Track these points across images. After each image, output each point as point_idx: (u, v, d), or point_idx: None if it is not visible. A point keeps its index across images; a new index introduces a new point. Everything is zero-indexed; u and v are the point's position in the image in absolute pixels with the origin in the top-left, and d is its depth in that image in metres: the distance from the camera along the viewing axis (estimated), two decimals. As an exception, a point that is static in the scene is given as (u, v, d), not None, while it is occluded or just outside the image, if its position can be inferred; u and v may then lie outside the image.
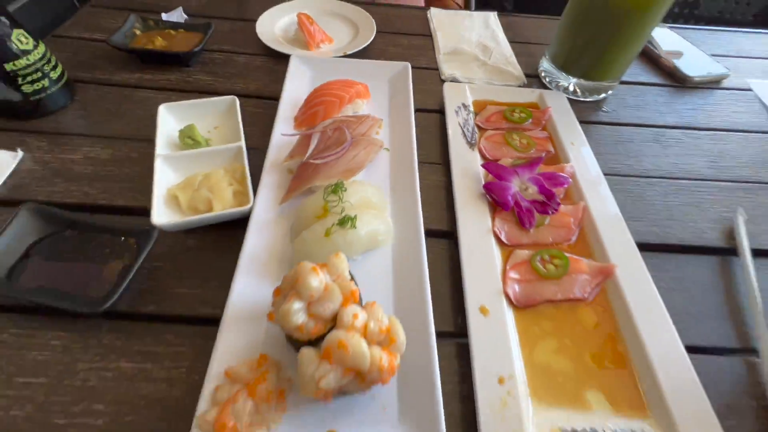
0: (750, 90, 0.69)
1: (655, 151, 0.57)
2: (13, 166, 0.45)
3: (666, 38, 0.76)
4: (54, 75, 0.50)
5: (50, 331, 0.34)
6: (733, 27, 0.89)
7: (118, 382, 0.32)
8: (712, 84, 0.70)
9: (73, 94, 0.54)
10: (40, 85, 0.49)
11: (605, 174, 0.49)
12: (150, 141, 0.49)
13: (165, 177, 0.42)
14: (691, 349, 0.35)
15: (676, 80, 0.70)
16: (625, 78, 0.66)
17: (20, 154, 0.46)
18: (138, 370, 0.33)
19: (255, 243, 0.38)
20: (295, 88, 0.54)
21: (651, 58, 0.73)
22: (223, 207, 0.40)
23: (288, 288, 0.29)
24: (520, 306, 0.37)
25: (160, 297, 0.37)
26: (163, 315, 0.36)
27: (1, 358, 0.33)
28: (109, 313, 0.35)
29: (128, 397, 0.31)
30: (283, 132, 0.47)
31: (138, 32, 0.62)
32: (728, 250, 0.46)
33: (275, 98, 0.57)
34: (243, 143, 0.45)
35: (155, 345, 0.34)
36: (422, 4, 1.08)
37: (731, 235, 0.47)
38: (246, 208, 0.39)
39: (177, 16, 0.70)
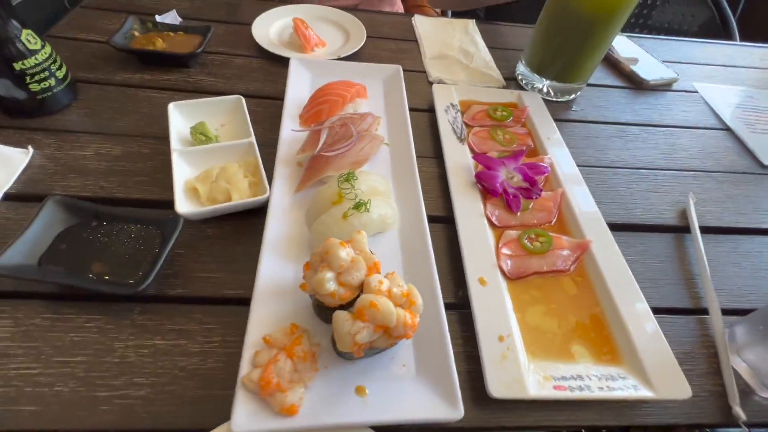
0: (696, 92, 0.79)
1: (618, 145, 0.65)
2: (26, 162, 0.46)
3: (623, 46, 0.85)
4: (60, 74, 0.52)
5: (83, 315, 0.36)
6: (681, 36, 1.00)
7: (155, 357, 0.35)
8: (664, 87, 0.79)
9: (76, 93, 0.55)
10: (47, 84, 0.50)
11: (577, 165, 0.56)
12: (158, 138, 0.52)
13: (181, 170, 0.45)
14: (655, 310, 0.41)
15: (633, 83, 0.78)
16: (591, 81, 0.74)
17: (31, 151, 0.47)
18: (173, 345, 0.36)
19: (274, 228, 0.41)
20: (297, 88, 0.57)
21: (612, 64, 0.82)
22: (241, 197, 0.43)
23: (318, 262, 0.33)
24: (512, 277, 0.42)
25: (185, 281, 0.40)
26: (190, 297, 0.39)
27: (37, 340, 0.34)
28: (138, 297, 0.38)
29: (166, 369, 0.34)
30: (293, 128, 0.50)
31: (137, 33, 0.63)
32: (682, 228, 0.53)
33: (275, 98, 0.61)
34: (253, 138, 0.48)
35: (186, 323, 0.37)
36: (401, 10, 1.14)
37: (684, 215, 0.54)
38: (264, 197, 0.42)
39: (171, 18, 0.72)
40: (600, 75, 0.79)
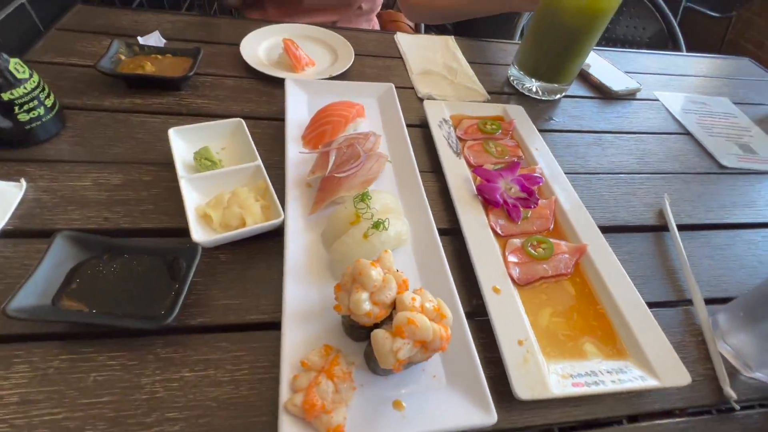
0: (657, 100, 0.86)
1: (597, 152, 0.70)
2: (20, 196, 0.44)
3: (590, 58, 0.92)
4: (48, 102, 0.50)
5: (104, 352, 0.35)
6: (634, 47, 1.09)
7: (185, 390, 0.34)
8: (630, 96, 0.86)
9: (64, 121, 0.53)
10: (36, 114, 0.48)
11: (564, 172, 0.60)
12: (158, 164, 0.51)
13: (191, 197, 0.44)
14: (648, 305, 0.45)
15: (603, 93, 0.85)
16: (567, 94, 0.80)
17: (24, 184, 0.45)
18: (202, 377, 0.35)
19: (294, 250, 0.42)
20: (295, 108, 0.58)
21: (582, 76, 0.88)
22: (255, 221, 0.43)
23: (350, 283, 0.34)
24: (521, 284, 0.45)
25: (205, 309, 0.40)
26: (213, 326, 0.39)
27: (59, 383, 0.33)
28: (160, 330, 0.37)
29: (198, 401, 0.34)
30: (301, 150, 0.51)
31: (123, 57, 0.62)
32: (661, 227, 0.58)
33: (272, 119, 0.61)
34: (260, 162, 0.49)
35: (213, 353, 0.37)
36: (378, 27, 1.17)
37: (661, 215, 0.60)
38: (279, 220, 0.43)
39: (155, 39, 0.70)
40: (573, 88, 0.84)
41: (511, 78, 0.82)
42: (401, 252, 0.45)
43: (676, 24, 1.23)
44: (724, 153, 0.73)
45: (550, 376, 0.37)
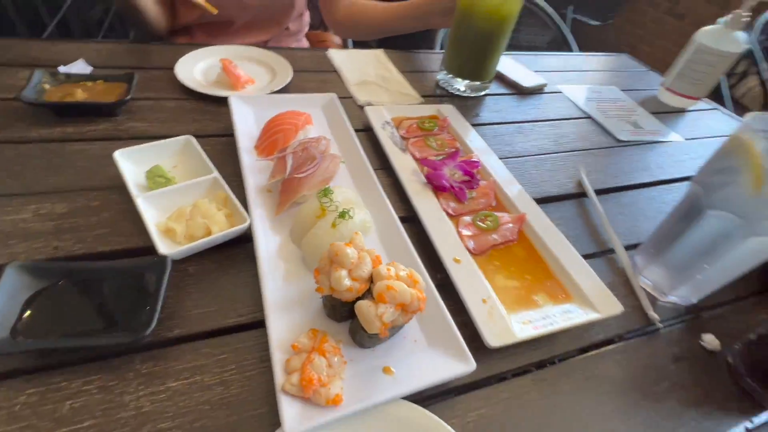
0: (561, 92, 1.00)
1: (520, 139, 0.79)
2: (-51, 236, 0.40)
3: (503, 62, 1.04)
4: (-30, 137, 0.46)
5: (76, 379, 0.34)
6: (537, 51, 1.25)
7: (174, 400, 0.34)
8: (539, 91, 0.98)
9: (-12, 156, 0.50)
10: (-43, 149, 0.45)
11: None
12: (106, 189, 0.49)
13: (150, 215, 0.44)
14: (581, 257, 0.53)
15: (517, 90, 0.96)
16: (488, 92, 0.90)
17: (-48, 223, 0.41)
18: (189, 384, 0.35)
19: (266, 250, 0.43)
20: (243, 122, 0.60)
21: (499, 77, 0.99)
22: (221, 229, 0.44)
23: (328, 265, 0.36)
24: (476, 254, 0.50)
25: (181, 321, 0.39)
26: (192, 334, 0.39)
27: (29, 418, 0.31)
28: (136, 347, 0.36)
29: (190, 407, 0.34)
30: (258, 159, 0.53)
31: (47, 86, 0.59)
32: (581, 194, 0.68)
33: (219, 135, 0.62)
34: (217, 173, 0.49)
35: (196, 359, 0.37)
36: (306, 45, 1.21)
37: (580, 184, 0.69)
38: (245, 224, 0.44)
39: (79, 68, 0.68)
40: (493, 87, 0.95)
41: (441, 81, 0.91)
42: (367, 240, 0.48)
43: (568, 30, 1.43)
44: (619, 130, 0.87)
45: (512, 324, 0.43)
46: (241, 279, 0.43)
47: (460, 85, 0.87)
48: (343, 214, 0.43)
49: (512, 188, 0.61)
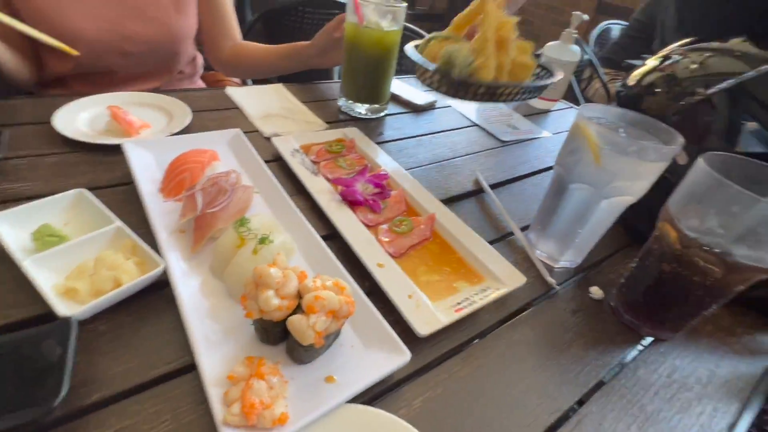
0: (450, 107, 1.13)
1: (422, 151, 0.88)
2: None
3: (396, 84, 1.14)
4: None
5: (-29, 477, 0.29)
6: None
7: (102, 468, 0.31)
8: (431, 107, 1.10)
9: None
10: None
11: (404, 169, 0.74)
12: (-18, 260, 0.43)
13: (44, 277, 0.40)
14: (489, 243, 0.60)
15: (412, 108, 1.06)
16: (387, 112, 0.98)
17: None
18: (118, 447, 0.32)
19: (186, 291, 0.42)
20: (143, 168, 0.57)
21: (394, 97, 1.09)
22: (132, 278, 0.42)
23: (253, 289, 0.37)
24: (397, 256, 0.54)
25: (99, 384, 0.36)
26: (115, 395, 0.36)
27: None
28: (45, 424, 0.32)
29: (123, 470, 0.31)
30: (165, 200, 0.51)
31: None
32: (480, 191, 0.77)
33: (116, 185, 0.58)
34: (119, 222, 0.47)
35: (125, 420, 0.34)
36: (203, 85, 1.20)
37: (477, 182, 0.79)
38: (160, 268, 0.42)
39: (-74, 133, 0.59)
40: (391, 107, 1.03)
41: (343, 107, 0.97)
42: (292, 262, 0.49)
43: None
44: (501, 132, 1.01)
45: (438, 312, 0.47)
46: (164, 326, 0.41)
47: (361, 109, 0.94)
48: (263, 240, 0.44)
49: (420, 193, 0.67)
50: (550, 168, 0.90)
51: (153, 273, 0.42)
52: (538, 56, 0.81)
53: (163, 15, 0.91)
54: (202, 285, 0.44)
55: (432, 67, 0.68)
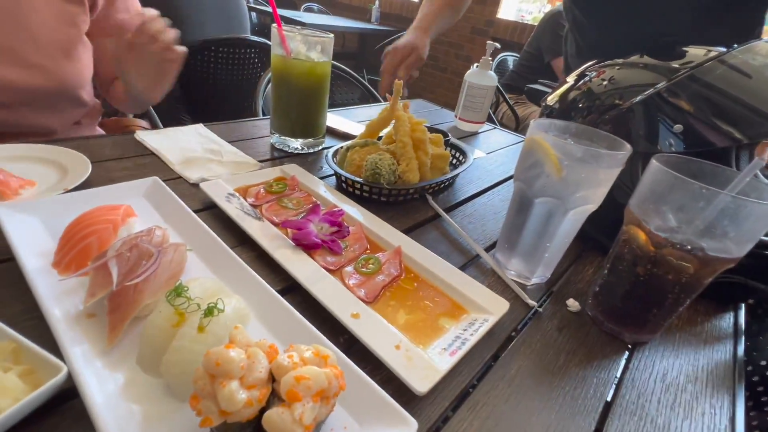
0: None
1: (369, 182, 0.83)
2: None
3: (331, 118, 1.10)
4: None
5: None
6: (352, 106, 1.39)
7: None
8: (368, 137, 1.07)
9: None
10: None
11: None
12: None
13: None
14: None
15: (349, 140, 1.02)
16: (325, 146, 0.92)
17: None
18: None
19: (105, 401, 0.30)
20: (26, 238, 0.44)
21: (329, 130, 1.04)
22: (16, 398, 0.29)
23: (208, 385, 0.27)
24: (371, 301, 0.48)
25: None
26: None
27: None
28: None
29: None
30: (61, 278, 0.38)
31: None
32: (435, 216, 0.74)
33: (-13, 264, 0.44)
34: (-8, 320, 0.34)
35: None
36: (101, 132, 1.04)
37: (431, 209, 0.76)
38: (60, 376, 0.30)
39: None
40: (328, 140, 0.98)
41: (276, 144, 0.89)
42: (249, 329, 0.39)
43: (372, 89, 1.65)
44: (441, 156, 1.01)
45: (433, 359, 0.41)
46: (72, 458, 0.29)
47: (296, 144, 0.87)
48: (209, 311, 0.34)
49: (379, 226, 0.62)
50: (494, 185, 0.91)
51: (50, 384, 0.30)
52: (446, 138, 0.87)
53: (48, 61, 0.77)
54: (126, 387, 0.32)
55: (360, 179, 0.71)
